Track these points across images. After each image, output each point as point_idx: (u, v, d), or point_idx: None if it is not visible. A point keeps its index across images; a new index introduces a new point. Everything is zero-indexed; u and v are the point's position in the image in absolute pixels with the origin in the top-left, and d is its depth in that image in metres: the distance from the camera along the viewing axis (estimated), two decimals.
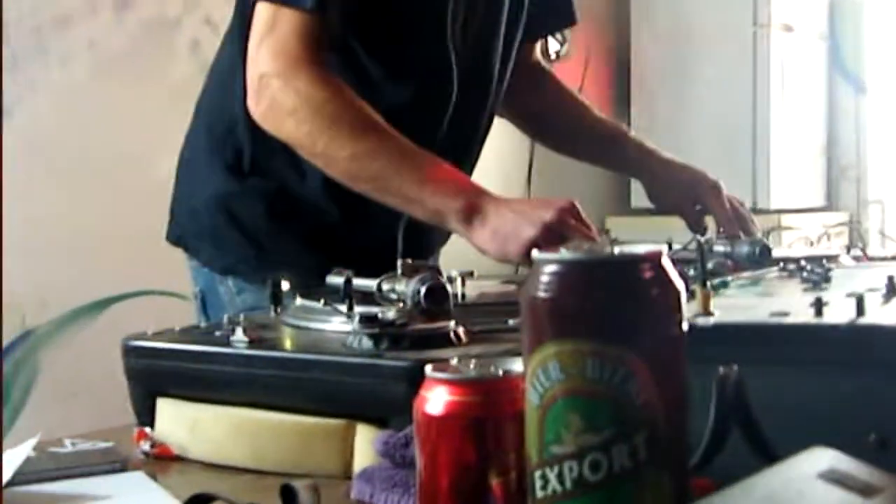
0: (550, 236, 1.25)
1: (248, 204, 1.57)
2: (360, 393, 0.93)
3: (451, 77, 1.53)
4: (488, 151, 1.69)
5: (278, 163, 1.53)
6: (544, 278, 0.57)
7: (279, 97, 1.38)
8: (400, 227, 1.52)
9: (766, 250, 1.21)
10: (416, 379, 0.69)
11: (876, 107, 4.55)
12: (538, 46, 1.88)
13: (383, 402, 0.91)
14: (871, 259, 1.33)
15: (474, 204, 1.32)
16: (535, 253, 0.58)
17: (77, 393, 2.47)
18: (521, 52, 1.69)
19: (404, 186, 1.35)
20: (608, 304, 0.56)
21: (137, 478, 0.97)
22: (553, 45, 3.95)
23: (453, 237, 1.66)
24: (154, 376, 1.09)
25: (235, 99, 1.50)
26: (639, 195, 2.26)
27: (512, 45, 1.64)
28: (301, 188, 1.54)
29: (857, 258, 1.33)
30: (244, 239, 1.57)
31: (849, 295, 0.81)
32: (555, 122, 1.85)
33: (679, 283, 0.58)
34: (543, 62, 1.90)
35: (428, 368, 0.68)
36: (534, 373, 0.58)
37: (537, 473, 0.58)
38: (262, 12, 1.40)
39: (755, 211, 2.30)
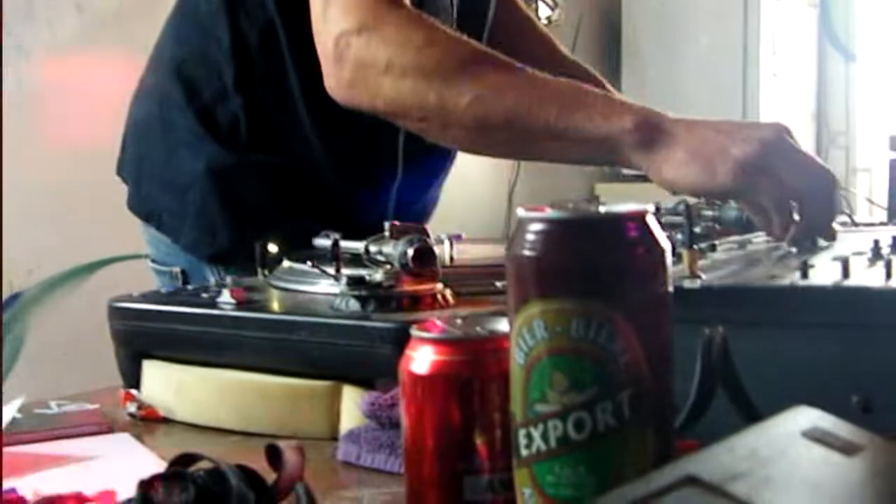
0: (774, 155, 1.01)
1: (247, 182, 1.41)
2: (346, 354, 0.93)
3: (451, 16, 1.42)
4: None
5: (280, 133, 1.40)
6: (529, 237, 0.57)
7: (366, 54, 1.12)
8: (393, 188, 1.46)
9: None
10: (402, 341, 0.69)
11: (865, 75, 4.56)
12: None
13: (370, 363, 0.91)
14: (858, 225, 1.33)
15: (653, 122, 1.05)
16: (519, 211, 0.58)
17: (65, 355, 2.47)
18: None
19: (551, 119, 1.06)
20: (593, 263, 0.56)
21: (123, 439, 0.97)
22: (544, 10, 3.94)
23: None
24: (140, 338, 1.08)
25: (221, 53, 1.39)
26: None
27: None
28: (304, 158, 1.40)
29: (844, 224, 1.34)
30: (240, 222, 1.40)
31: (835, 258, 0.81)
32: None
33: (664, 242, 0.58)
34: None
35: (413, 328, 0.67)
36: (518, 332, 0.58)
37: (522, 432, 0.58)
38: None
39: None
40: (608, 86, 1.52)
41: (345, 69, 1.14)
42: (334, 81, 1.16)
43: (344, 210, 1.41)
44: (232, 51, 1.39)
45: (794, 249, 1.00)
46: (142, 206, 1.50)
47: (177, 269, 1.46)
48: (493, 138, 1.13)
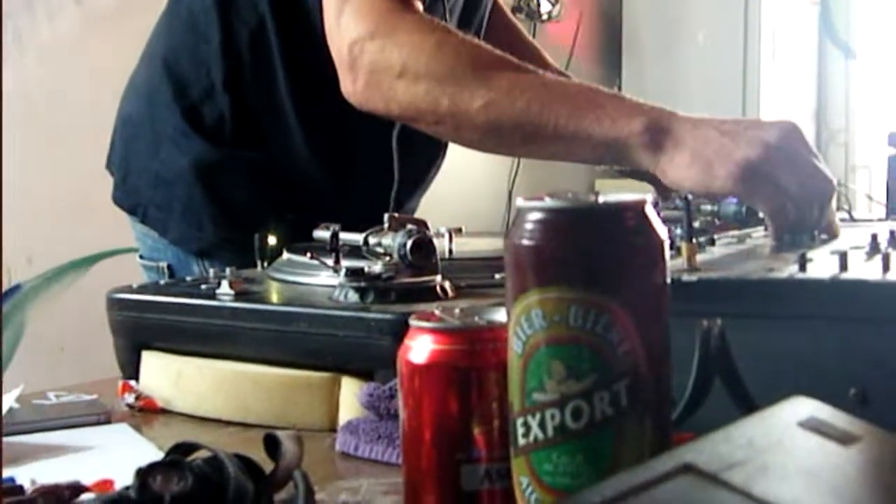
0: (775, 159, 1.02)
1: (233, 178, 1.42)
2: (345, 346, 0.94)
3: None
4: None
5: (266, 133, 1.40)
6: (528, 226, 0.57)
7: (380, 59, 1.14)
8: (389, 195, 1.44)
9: (753, 210, 1.21)
10: (401, 332, 0.69)
11: (865, 72, 4.56)
12: None
13: (369, 355, 0.92)
14: (857, 221, 1.33)
15: (660, 123, 1.06)
16: (518, 200, 0.58)
17: (62, 349, 2.47)
18: None
19: (561, 122, 1.08)
20: (591, 252, 0.56)
21: (121, 429, 0.97)
22: (545, 5, 3.94)
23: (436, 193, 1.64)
24: (139, 329, 1.09)
25: (210, 52, 1.39)
26: None
27: None
28: (290, 157, 1.41)
29: (843, 220, 1.34)
30: (226, 217, 1.42)
31: (833, 252, 0.81)
32: None
33: (663, 232, 0.58)
34: None
35: (412, 318, 0.67)
36: (517, 320, 0.58)
37: (519, 421, 0.58)
38: None
39: None
40: None
41: (359, 74, 1.15)
42: (349, 86, 1.17)
43: (337, 210, 1.36)
44: (222, 50, 1.39)
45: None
46: (127, 199, 1.50)
47: (163, 265, 1.46)
48: (504, 139, 1.14)
